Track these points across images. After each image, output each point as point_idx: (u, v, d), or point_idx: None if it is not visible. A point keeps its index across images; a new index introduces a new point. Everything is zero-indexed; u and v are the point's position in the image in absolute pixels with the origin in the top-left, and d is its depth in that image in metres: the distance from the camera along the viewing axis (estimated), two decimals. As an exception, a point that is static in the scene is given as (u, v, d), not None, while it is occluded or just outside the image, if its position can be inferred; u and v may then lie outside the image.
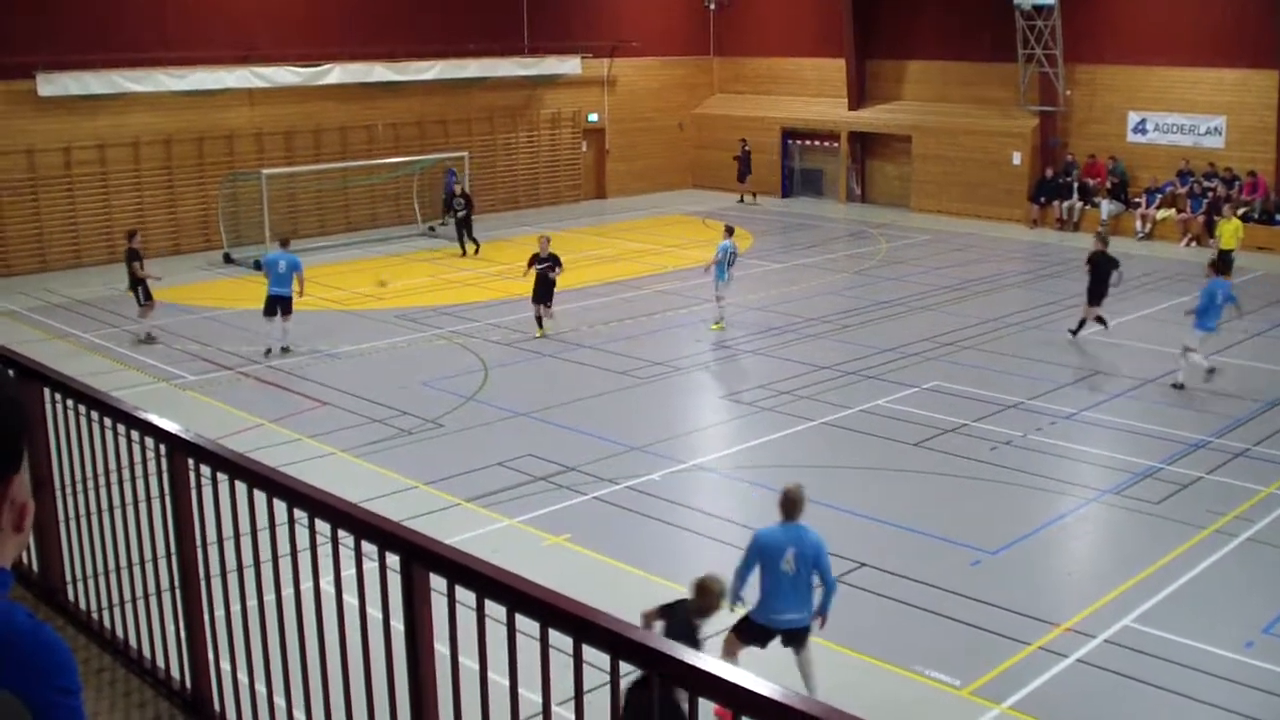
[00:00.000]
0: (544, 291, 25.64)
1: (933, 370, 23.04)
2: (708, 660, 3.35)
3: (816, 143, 45.76)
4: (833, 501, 16.95)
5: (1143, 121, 39.82)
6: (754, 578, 11.59)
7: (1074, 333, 25.49)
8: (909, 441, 19.27)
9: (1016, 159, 40.80)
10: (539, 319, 25.86)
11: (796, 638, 11.64)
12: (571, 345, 24.85)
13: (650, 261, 33.78)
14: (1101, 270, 25.07)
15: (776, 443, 19.45)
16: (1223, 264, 28.89)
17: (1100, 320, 25.12)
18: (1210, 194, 37.16)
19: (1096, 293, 25.12)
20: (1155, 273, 32.84)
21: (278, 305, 24.60)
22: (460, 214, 34.42)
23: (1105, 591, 14.39)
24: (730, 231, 27.24)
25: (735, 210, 42.77)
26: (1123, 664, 12.79)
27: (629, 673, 3.53)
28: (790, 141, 46.51)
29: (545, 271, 25.52)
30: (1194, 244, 36.66)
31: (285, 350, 24.57)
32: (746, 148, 45.12)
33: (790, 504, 11.57)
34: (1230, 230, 30.56)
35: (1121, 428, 20.13)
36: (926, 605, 13.97)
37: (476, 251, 34.61)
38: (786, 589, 11.39)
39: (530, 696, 3.90)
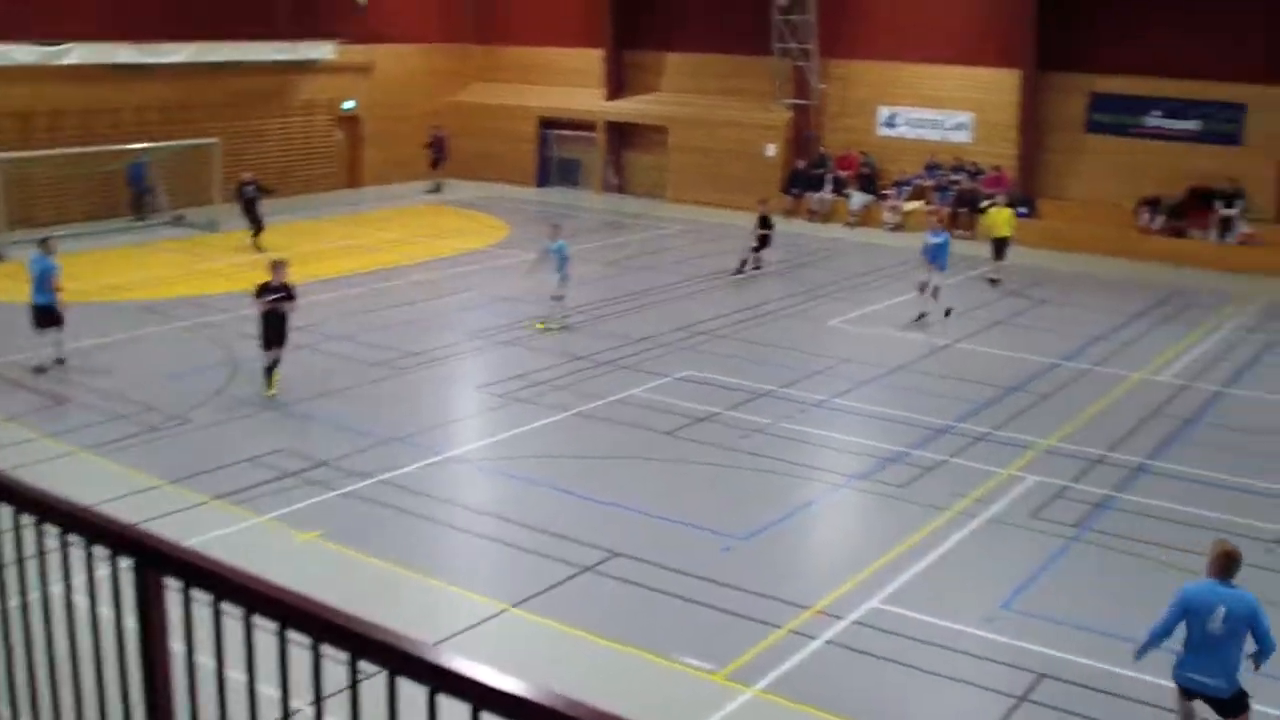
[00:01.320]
0: (275, 333, 20.70)
1: (686, 359, 23.20)
2: (449, 656, 3.19)
3: (574, 133, 45.74)
4: (586, 491, 16.95)
5: (893, 116, 40.89)
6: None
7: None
8: (662, 430, 19.35)
9: (770, 151, 41.46)
10: (269, 370, 20.88)
11: (1224, 707, 10.53)
12: (325, 336, 24.29)
13: (405, 251, 33.29)
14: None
15: (532, 433, 19.33)
16: (997, 250, 30.22)
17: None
18: (956, 187, 38.34)
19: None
20: (904, 263, 33.64)
21: (40, 315, 21.65)
22: (250, 198, 33.11)
23: (853, 574, 14.63)
24: (558, 229, 26.67)
25: (482, 200, 42.49)
26: (871, 644, 13.04)
27: (374, 673, 3.34)
28: (548, 131, 46.39)
29: (276, 305, 20.60)
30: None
31: (59, 363, 22.08)
32: (440, 133, 44.81)
33: (1230, 562, 10.47)
34: (1003, 218, 31.47)
35: (869, 414, 20.56)
36: (679, 592, 14.02)
37: (257, 235, 33.13)
38: (1210, 651, 10.36)
39: (270, 693, 3.69)
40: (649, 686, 12.19)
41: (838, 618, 13.56)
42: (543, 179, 46.49)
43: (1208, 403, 21.79)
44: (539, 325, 25.45)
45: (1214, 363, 24.52)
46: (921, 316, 26.77)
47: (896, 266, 33.01)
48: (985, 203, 36.38)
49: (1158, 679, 12.40)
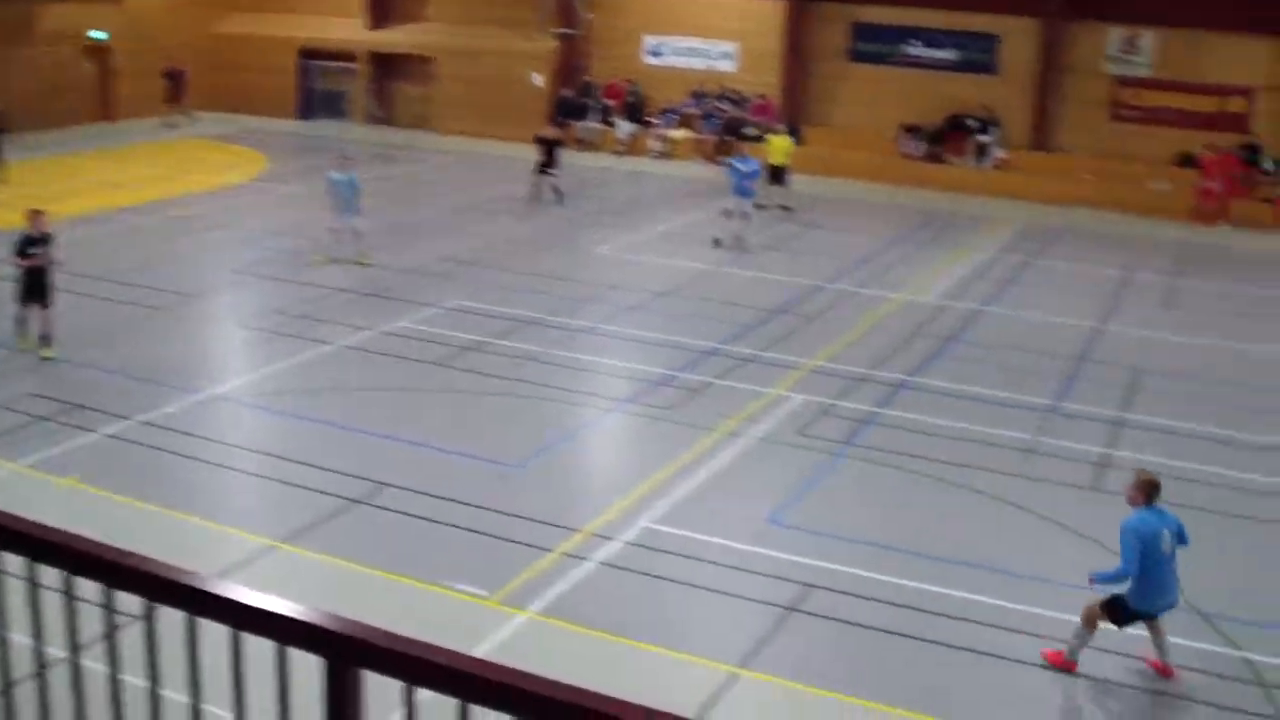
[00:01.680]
0: (39, 288, 18.68)
1: (454, 290, 22.92)
2: (245, 592, 3.04)
3: (336, 64, 44.64)
4: (355, 424, 16.65)
5: (659, 45, 40.94)
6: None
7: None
8: (431, 361, 19.10)
9: (538, 80, 41.12)
10: (44, 338, 18.86)
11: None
12: (79, 276, 23.22)
13: (163, 187, 32.13)
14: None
15: (298, 367, 18.87)
16: (774, 177, 30.40)
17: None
18: (719, 117, 38.63)
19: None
20: (670, 190, 33.84)
21: None
22: None
23: (625, 495, 14.67)
24: (347, 161, 25.59)
25: (241, 134, 41.32)
26: (642, 562, 13.12)
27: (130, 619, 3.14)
28: (309, 63, 45.17)
29: (39, 259, 18.60)
30: (707, 163, 38.06)
31: None
32: (178, 66, 42.80)
33: (1155, 489, 11.24)
34: (781, 146, 31.56)
35: (638, 339, 20.62)
36: (452, 520, 13.87)
37: None
38: (1168, 574, 11.18)
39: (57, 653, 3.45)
40: (423, 613, 12.02)
41: (610, 539, 13.59)
42: (305, 111, 45.29)
43: (967, 321, 22.40)
44: (318, 258, 24.69)
45: (972, 283, 25.24)
46: (737, 240, 27.11)
47: (663, 194, 33.19)
48: (752, 130, 36.73)
49: (916, 583, 12.77)
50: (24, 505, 12.56)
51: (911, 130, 37.07)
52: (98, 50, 42.49)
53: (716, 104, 39.20)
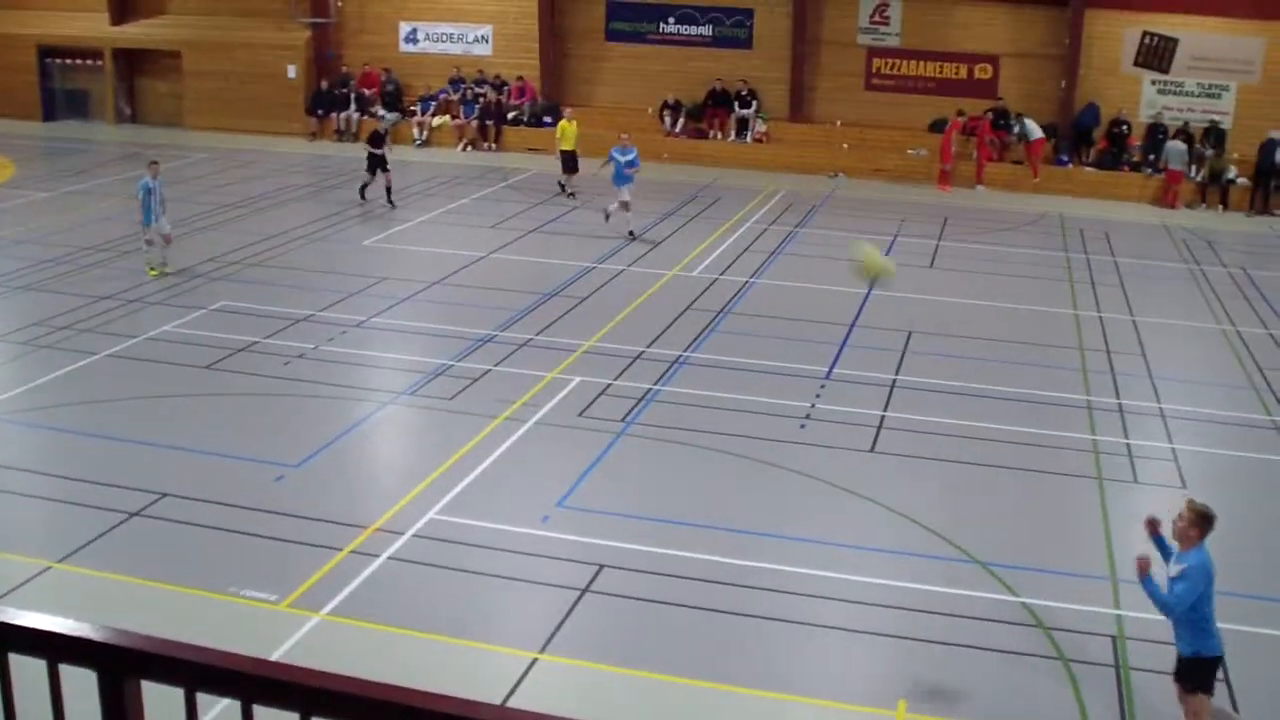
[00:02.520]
0: None
1: (219, 290, 22.35)
2: (10, 611, 2.94)
3: (79, 61, 43.05)
4: (126, 434, 16.11)
5: (414, 31, 40.55)
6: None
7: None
8: (200, 365, 18.60)
9: (291, 72, 40.36)
10: None
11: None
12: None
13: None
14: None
15: (62, 380, 18.13)
16: (567, 163, 30.21)
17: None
18: (482, 100, 38.44)
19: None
20: (434, 178, 33.57)
21: None
22: None
23: (409, 489, 14.52)
24: (154, 165, 23.88)
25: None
26: (432, 555, 13.03)
27: None
28: (49, 60, 43.42)
29: None
30: (469, 148, 37.89)
31: None
32: None
33: (1210, 522, 9.68)
34: (570, 131, 31.37)
35: (411, 330, 20.43)
36: (235, 526, 13.53)
37: None
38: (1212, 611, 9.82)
39: None
40: (211, 624, 11.73)
41: (398, 533, 13.44)
42: (48, 112, 43.61)
43: (736, 293, 22.74)
44: (152, 272, 23.33)
45: (740, 255, 25.61)
46: (632, 234, 26.96)
47: (427, 182, 32.90)
48: (515, 114, 36.64)
49: (706, 555, 12.95)
50: None
51: (672, 107, 37.43)
52: None
53: (475, 89, 38.97)
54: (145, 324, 20.52)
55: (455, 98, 39.19)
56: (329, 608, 12.01)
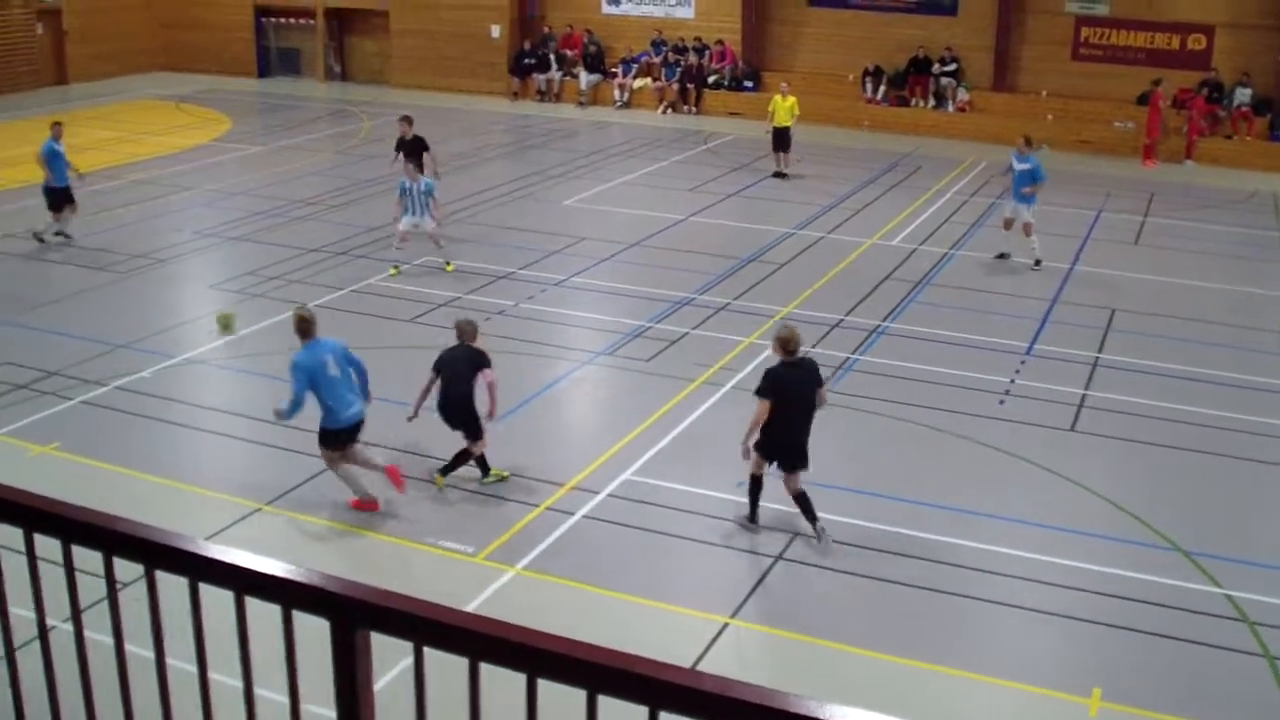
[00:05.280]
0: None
1: (423, 247, 22.68)
2: (218, 549, 3.04)
3: (292, 20, 44.15)
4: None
5: (616, -7, 40.63)
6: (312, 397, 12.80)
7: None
8: (404, 318, 18.99)
9: (495, 32, 40.78)
10: None
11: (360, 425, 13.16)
12: (40, 243, 23.00)
13: (122, 150, 31.75)
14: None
15: (270, 329, 18.69)
16: (779, 141, 29.46)
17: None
18: (680, 65, 38.42)
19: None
20: (634, 140, 33.68)
21: None
22: None
23: (605, 449, 14.65)
24: (410, 166, 22.02)
25: (202, 94, 40.88)
26: (626, 515, 13.13)
27: (133, 579, 3.10)
28: (264, 20, 44.65)
29: None
30: (670, 111, 37.90)
31: None
32: None
33: (309, 324, 13.02)
34: (785, 107, 29.44)
35: (610, 291, 20.55)
36: (433, 477, 13.79)
37: None
38: (340, 389, 12.88)
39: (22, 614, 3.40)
40: (411, 574, 12.04)
41: (593, 492, 13.57)
42: (263, 69, 44.85)
43: (936, 264, 22.40)
44: (393, 270, 21.39)
45: (941, 225, 25.22)
46: (1004, 256, 23.03)
47: (627, 144, 33.02)
48: (715, 78, 36.52)
49: (913, 530, 12.80)
50: (5, 474, 12.53)
51: (873, 74, 36.97)
52: (47, 12, 41.85)
53: (676, 52, 38.95)
54: (351, 277, 20.99)
55: (656, 60, 39.22)
56: (523, 562, 12.19)
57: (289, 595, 2.95)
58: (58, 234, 22.73)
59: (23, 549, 3.30)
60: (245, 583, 3.00)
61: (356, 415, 13.03)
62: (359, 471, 13.28)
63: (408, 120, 23.76)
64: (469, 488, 13.70)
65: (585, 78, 39.25)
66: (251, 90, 42.23)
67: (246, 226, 24.38)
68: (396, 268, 21.41)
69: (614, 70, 39.59)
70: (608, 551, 12.54)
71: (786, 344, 12.25)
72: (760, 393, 12.24)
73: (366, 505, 13.22)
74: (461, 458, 13.70)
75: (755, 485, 12.76)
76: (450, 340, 14.00)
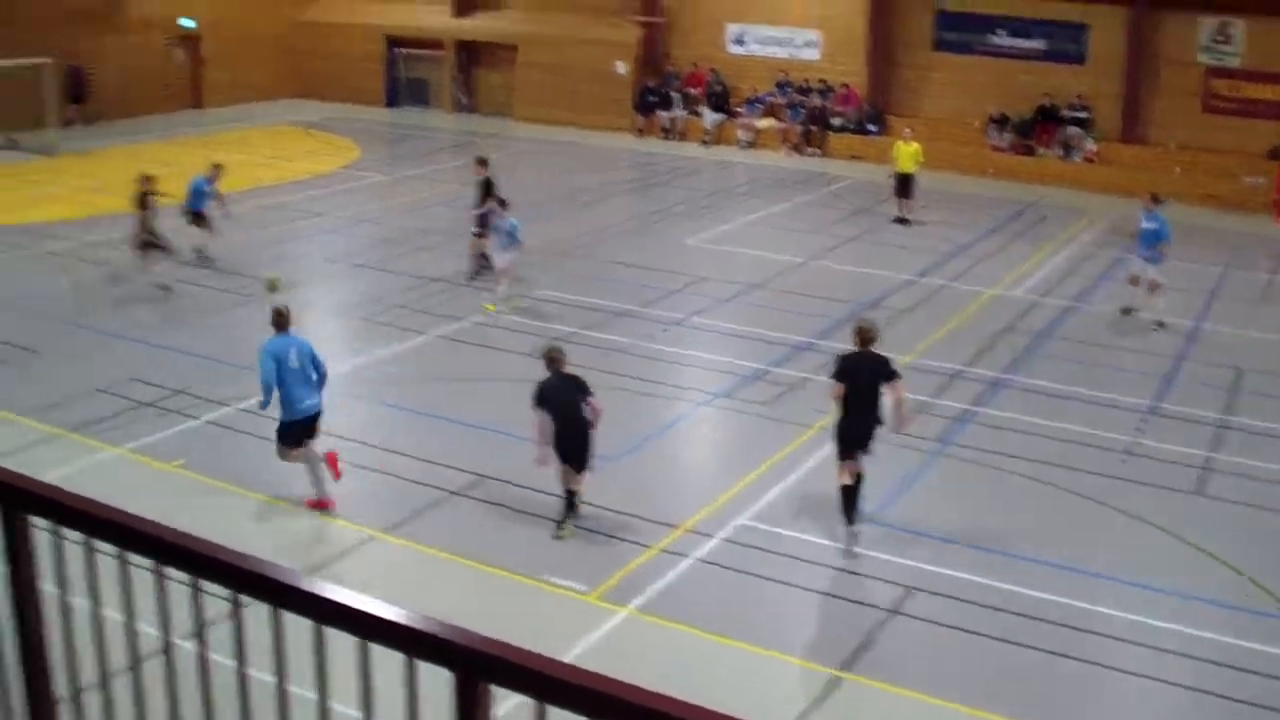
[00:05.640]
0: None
1: (544, 279, 22.94)
2: (333, 589, 3.06)
3: (422, 51, 44.86)
4: (450, 414, 16.75)
5: (742, 33, 40.75)
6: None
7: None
8: (522, 351, 19.13)
9: (621, 69, 41.11)
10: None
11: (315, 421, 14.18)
12: (173, 263, 23.53)
13: (255, 174, 32.33)
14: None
15: (394, 357, 19.01)
16: (902, 187, 29.26)
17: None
18: (804, 106, 38.42)
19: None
20: (757, 181, 33.74)
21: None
22: None
23: (720, 492, 14.66)
24: (505, 204, 22.18)
25: (332, 121, 41.62)
26: (740, 561, 13.11)
27: (247, 604, 3.19)
28: (395, 50, 45.41)
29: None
30: (793, 153, 37.89)
31: None
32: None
33: (284, 318, 14.11)
34: (909, 153, 29.17)
35: (730, 332, 20.57)
36: (548, 514, 13.87)
37: None
38: (299, 381, 13.91)
39: (150, 632, 3.50)
40: (523, 609, 12.10)
41: (707, 536, 13.58)
42: (391, 99, 45.59)
43: (1059, 317, 22.16)
44: (489, 307, 21.42)
45: (1064, 278, 24.95)
46: (1128, 311, 22.38)
47: (750, 184, 33.09)
48: (839, 120, 36.47)
49: (1028, 589, 12.66)
50: (129, 490, 12.85)
51: (999, 121, 36.72)
52: (187, 38, 42.93)
53: (798, 96, 38.96)
54: (472, 308, 21.23)
55: (781, 101, 39.28)
56: (636, 603, 12.24)
57: (412, 644, 2.97)
58: (197, 253, 23.33)
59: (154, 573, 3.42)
60: (368, 629, 3.03)
61: (312, 408, 14.00)
62: (316, 470, 14.07)
63: (483, 162, 23.89)
64: (586, 525, 13.76)
65: (709, 117, 39.40)
66: (380, 119, 42.92)
67: (372, 253, 24.79)
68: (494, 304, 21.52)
69: (738, 110, 39.70)
70: (719, 597, 12.54)
71: (863, 334, 13.54)
72: (834, 376, 13.49)
73: (323, 504, 14.03)
74: (572, 495, 13.78)
75: (847, 494, 13.45)
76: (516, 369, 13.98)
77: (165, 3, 42.07)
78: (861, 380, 13.26)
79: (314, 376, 14.04)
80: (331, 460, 14.12)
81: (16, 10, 37.26)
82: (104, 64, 40.12)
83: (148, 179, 22.25)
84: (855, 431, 13.37)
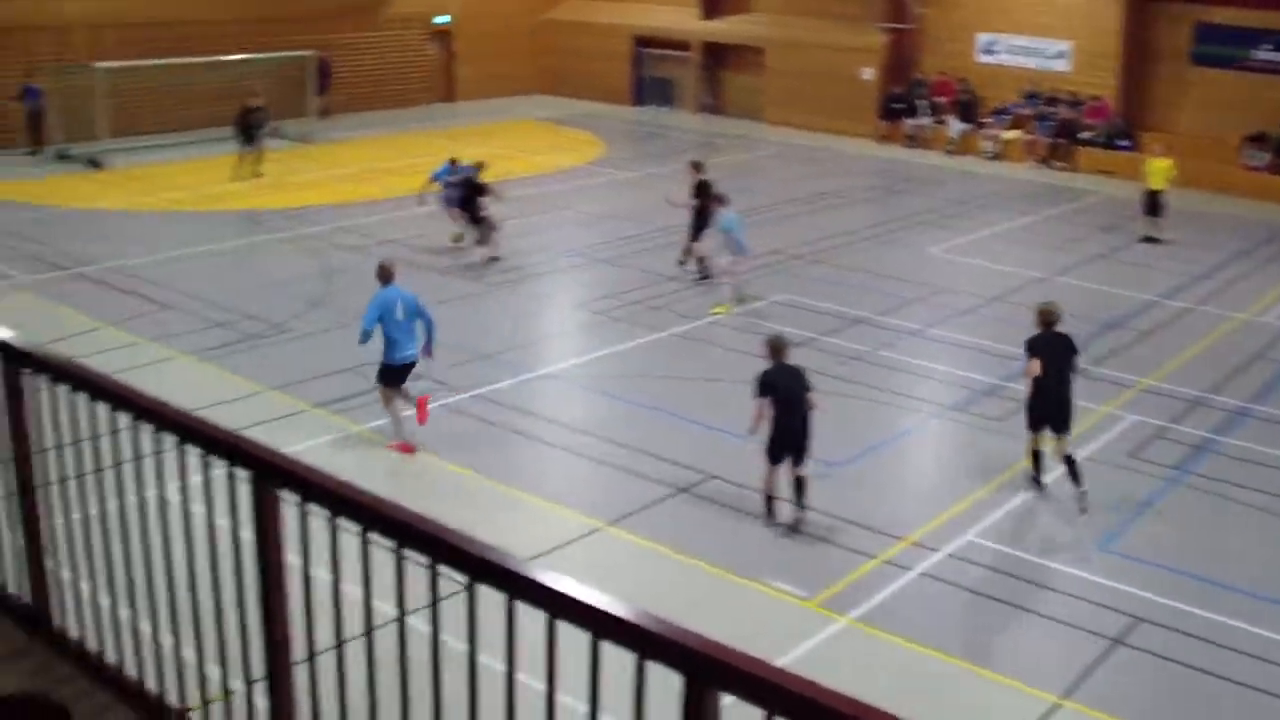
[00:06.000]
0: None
1: (781, 283, 23.09)
2: (567, 583, 3.27)
3: (668, 52, 45.37)
4: (681, 412, 17.01)
5: (992, 42, 40.17)
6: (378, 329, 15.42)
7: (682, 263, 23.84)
8: (757, 354, 19.23)
9: (867, 74, 40.93)
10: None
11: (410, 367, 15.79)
12: (420, 250, 24.41)
13: (501, 167, 33.07)
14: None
15: (628, 352, 19.39)
16: (1151, 205, 28.58)
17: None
18: (1053, 118, 37.70)
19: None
20: (1002, 193, 33.27)
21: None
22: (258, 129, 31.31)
23: (948, 506, 14.60)
24: (723, 201, 22.24)
25: (579, 118, 42.38)
26: (964, 577, 13.05)
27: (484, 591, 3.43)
28: (642, 50, 46.03)
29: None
30: (1040, 166, 37.21)
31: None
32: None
33: (387, 272, 15.67)
34: (1159, 169, 28.32)
35: (966, 345, 20.40)
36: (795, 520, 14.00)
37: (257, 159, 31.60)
38: (403, 331, 15.50)
39: (384, 608, 3.78)
40: (741, 610, 12.26)
41: (932, 550, 13.55)
42: (638, 97, 46.25)
43: (1312, 346, 21.42)
44: (717, 309, 21.68)
45: (1318, 306, 24.08)
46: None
47: (994, 195, 32.65)
48: (1088, 134, 35.69)
49: (1255, 627, 12.33)
50: (361, 468, 13.47)
51: (1256, 140, 35.49)
52: (440, 33, 44.27)
53: (1046, 108, 38.23)
54: (708, 308, 21.47)
55: (1028, 112, 38.62)
56: (855, 613, 12.28)
57: (643, 643, 3.07)
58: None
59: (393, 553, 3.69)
60: (600, 625, 3.16)
61: (410, 357, 15.58)
62: (405, 416, 15.68)
63: (697, 166, 24.15)
64: (809, 530, 13.86)
65: (955, 125, 38.96)
66: (626, 117, 43.57)
67: (613, 249, 25.24)
68: (725, 306, 21.77)
69: (984, 120, 39.16)
70: (941, 613, 12.51)
71: (1045, 316, 14.79)
72: (1029, 354, 14.63)
73: (404, 448, 15.51)
74: (801, 486, 13.89)
75: (1037, 459, 14.90)
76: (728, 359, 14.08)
77: (421, 1, 43.43)
78: (1056, 356, 14.51)
79: (418, 330, 15.63)
80: (421, 404, 15.68)
81: (284, 6, 38.91)
82: (360, 57, 41.68)
83: (481, 165, 24.46)
84: (1050, 405, 14.58)
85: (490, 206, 23.92)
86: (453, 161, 24.88)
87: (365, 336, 15.44)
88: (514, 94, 45.97)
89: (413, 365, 15.71)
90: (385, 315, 15.36)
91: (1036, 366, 14.42)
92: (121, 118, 33.51)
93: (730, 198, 22.57)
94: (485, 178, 24.10)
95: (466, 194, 23.78)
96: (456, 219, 24.24)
